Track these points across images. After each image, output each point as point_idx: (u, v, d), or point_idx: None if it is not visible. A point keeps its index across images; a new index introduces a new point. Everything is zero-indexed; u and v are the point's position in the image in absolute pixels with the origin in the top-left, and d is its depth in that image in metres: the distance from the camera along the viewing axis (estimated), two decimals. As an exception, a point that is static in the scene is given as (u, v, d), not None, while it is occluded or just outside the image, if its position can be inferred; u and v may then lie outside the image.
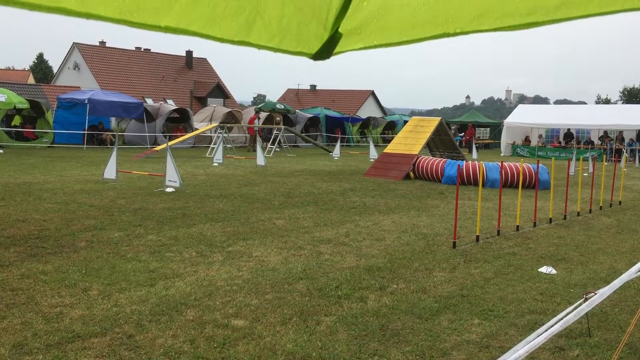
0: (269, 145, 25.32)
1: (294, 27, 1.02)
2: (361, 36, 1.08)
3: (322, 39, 1.07)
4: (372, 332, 4.63)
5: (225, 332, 4.50)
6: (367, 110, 54.46)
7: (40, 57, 65.76)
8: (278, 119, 30.08)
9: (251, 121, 27.73)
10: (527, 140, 33.78)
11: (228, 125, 25.86)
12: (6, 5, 0.83)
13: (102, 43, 49.24)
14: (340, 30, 1.07)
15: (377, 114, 53.10)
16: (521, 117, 33.09)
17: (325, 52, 1.09)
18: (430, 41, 1.17)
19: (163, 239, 7.59)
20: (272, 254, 7.00)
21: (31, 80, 52.29)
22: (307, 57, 1.11)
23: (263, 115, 30.13)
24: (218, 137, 22.21)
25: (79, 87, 35.17)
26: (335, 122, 36.34)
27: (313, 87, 63.04)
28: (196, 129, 26.88)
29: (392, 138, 20.85)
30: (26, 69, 62.45)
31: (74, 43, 46.48)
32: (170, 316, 4.79)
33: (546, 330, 3.42)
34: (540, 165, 11.35)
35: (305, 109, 39.29)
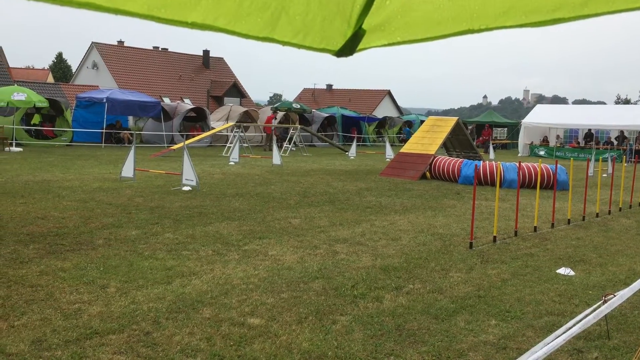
0: (285, 145, 25.36)
1: (318, 23, 1.01)
2: (385, 32, 1.07)
3: (345, 35, 1.06)
4: (388, 332, 4.61)
5: (242, 330, 4.52)
6: (384, 110, 54.33)
7: (59, 56, 66.47)
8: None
9: (268, 120, 27.79)
10: (545, 140, 33.48)
11: (244, 124, 25.94)
12: (38, 0, 0.83)
13: (121, 42, 49.67)
14: (363, 26, 1.06)
15: (393, 113, 52.94)
16: (539, 117, 32.79)
17: (348, 48, 1.08)
18: (449, 40, 1.16)
19: (180, 237, 7.63)
20: (288, 253, 7.01)
21: (50, 79, 52.86)
22: (330, 53, 1.10)
23: (280, 114, 30.18)
24: (234, 136, 22.30)
25: (97, 86, 35.49)
26: (351, 122, 36.29)
27: (329, 86, 63.01)
28: (212, 128, 27.00)
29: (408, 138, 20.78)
30: (46, 68, 63.15)
31: (92, 42, 46.93)
32: (187, 314, 4.81)
33: (564, 332, 3.39)
34: (558, 165, 11.24)
35: (322, 109, 39.29)
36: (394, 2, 1.03)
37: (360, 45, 1.10)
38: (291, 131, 26.43)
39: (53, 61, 66.11)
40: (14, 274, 5.72)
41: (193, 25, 0.91)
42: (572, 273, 6.54)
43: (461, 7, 1.01)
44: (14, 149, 20.37)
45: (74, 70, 53.96)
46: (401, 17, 1.05)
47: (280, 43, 1.04)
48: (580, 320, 3.44)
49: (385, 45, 1.09)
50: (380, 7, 1.03)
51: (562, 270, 6.61)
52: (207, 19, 0.92)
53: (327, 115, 34.59)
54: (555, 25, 0.95)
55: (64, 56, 66.24)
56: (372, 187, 13.82)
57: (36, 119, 25.23)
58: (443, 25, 1.04)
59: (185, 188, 12.00)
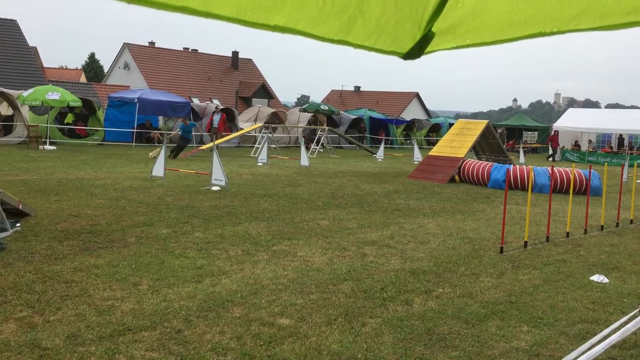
0: (312, 146, 25.36)
1: (390, 26, 1.02)
2: (454, 35, 1.06)
3: (415, 38, 1.06)
4: (418, 335, 4.59)
5: (271, 330, 4.53)
6: (412, 113, 54.07)
7: (92, 56, 67.62)
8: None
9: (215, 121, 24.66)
10: (576, 145, 32.96)
11: (273, 125, 26.05)
12: (136, 4, 0.85)
13: (152, 43, 50.38)
14: (433, 29, 1.06)
15: (421, 116, 52.66)
16: (571, 121, 32.28)
17: (416, 51, 1.08)
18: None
19: (209, 236, 7.70)
20: (317, 254, 7.02)
21: (83, 79, 53.83)
22: (398, 56, 1.10)
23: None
24: (262, 137, 22.41)
25: (129, 87, 36.04)
26: (379, 124, 36.18)
27: (357, 88, 62.95)
28: (241, 129, 27.16)
29: (437, 141, 20.63)
30: (78, 68, 64.29)
31: (124, 43, 47.73)
32: (217, 313, 4.85)
33: (601, 340, 3.33)
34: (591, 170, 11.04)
35: (349, 110, 39.25)
36: (466, 4, 1.02)
37: (428, 48, 1.09)
38: (319, 132, 26.44)
39: (86, 61, 67.30)
40: (49, 269, 5.84)
41: (275, 28, 0.92)
42: (606, 280, 6.42)
43: (535, 10, 0.99)
44: (48, 147, 20.78)
45: (106, 71, 54.88)
46: (472, 20, 1.04)
47: (353, 46, 1.05)
48: (617, 329, 3.38)
49: (453, 48, 1.08)
50: (452, 9, 1.02)
51: (596, 277, 6.48)
52: (289, 22, 0.93)
53: (355, 117, 34.51)
54: (628, 28, 0.93)
55: (96, 56, 67.41)
56: (400, 190, 13.75)
57: (69, 118, 25.71)
58: (514, 28, 1.03)
59: (215, 188, 12.10)
